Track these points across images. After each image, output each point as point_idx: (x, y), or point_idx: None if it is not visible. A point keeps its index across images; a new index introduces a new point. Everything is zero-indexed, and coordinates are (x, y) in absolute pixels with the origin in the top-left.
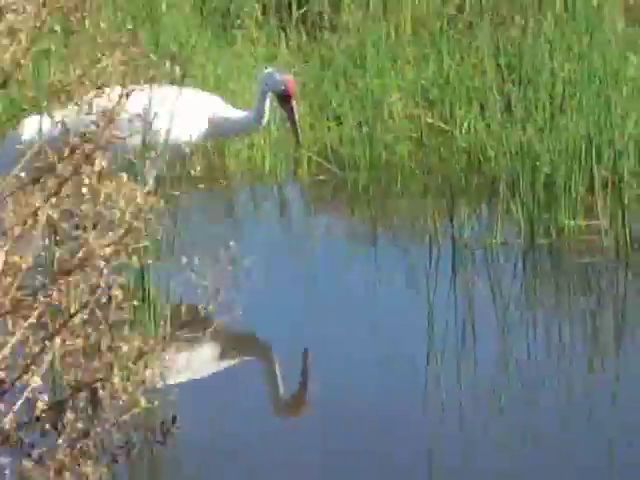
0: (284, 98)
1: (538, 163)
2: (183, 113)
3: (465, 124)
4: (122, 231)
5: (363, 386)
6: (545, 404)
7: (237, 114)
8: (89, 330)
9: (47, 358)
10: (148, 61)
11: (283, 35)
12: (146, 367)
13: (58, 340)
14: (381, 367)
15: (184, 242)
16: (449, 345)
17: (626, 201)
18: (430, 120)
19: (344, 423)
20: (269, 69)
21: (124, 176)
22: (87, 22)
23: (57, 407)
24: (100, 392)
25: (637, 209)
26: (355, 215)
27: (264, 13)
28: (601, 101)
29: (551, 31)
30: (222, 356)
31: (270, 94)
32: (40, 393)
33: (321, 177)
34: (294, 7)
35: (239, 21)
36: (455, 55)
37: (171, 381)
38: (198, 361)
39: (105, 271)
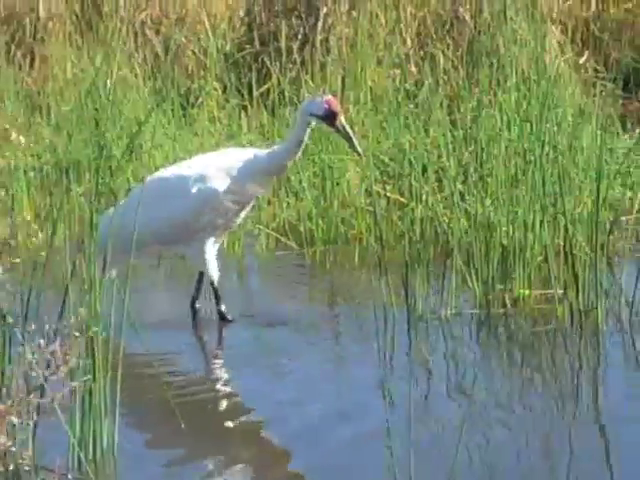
0: (330, 118)
1: (494, 234)
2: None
3: (422, 197)
4: None
5: (318, 462)
6: (502, 473)
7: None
8: None
9: None
10: None
11: (244, 113)
12: None
13: None
14: (339, 445)
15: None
16: (406, 417)
17: (579, 270)
18: (388, 194)
19: None
20: (308, 97)
21: None
22: None
23: None
24: None
25: (590, 277)
26: (312, 289)
27: (224, 92)
28: (556, 171)
29: (506, 103)
30: None
31: (313, 122)
32: None
33: (279, 252)
34: (254, 86)
35: (200, 100)
36: (412, 129)
37: None
38: None
39: None
